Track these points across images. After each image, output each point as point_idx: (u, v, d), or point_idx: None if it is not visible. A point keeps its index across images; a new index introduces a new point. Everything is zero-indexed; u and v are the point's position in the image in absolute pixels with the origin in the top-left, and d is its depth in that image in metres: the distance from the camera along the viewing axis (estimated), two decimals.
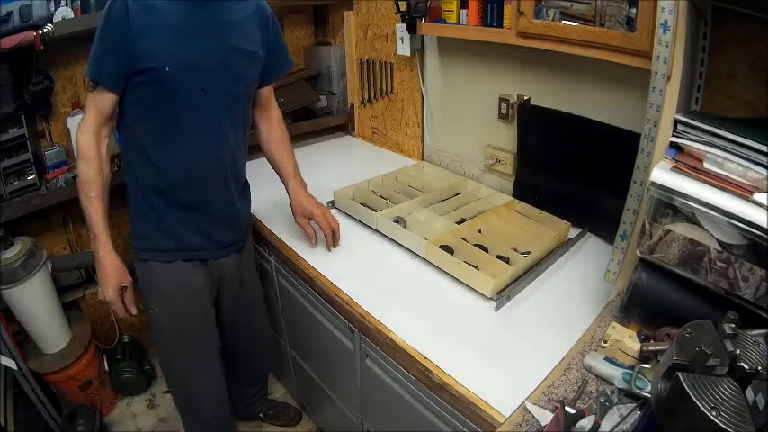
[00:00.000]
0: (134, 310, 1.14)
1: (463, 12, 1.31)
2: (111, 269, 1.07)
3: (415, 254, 1.18)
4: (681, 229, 0.75)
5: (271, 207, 1.42)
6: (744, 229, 0.65)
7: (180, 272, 1.15)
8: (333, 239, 1.22)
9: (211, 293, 1.24)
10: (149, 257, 1.13)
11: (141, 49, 0.95)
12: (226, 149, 1.11)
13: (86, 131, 1.01)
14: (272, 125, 1.29)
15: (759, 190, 0.64)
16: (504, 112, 1.40)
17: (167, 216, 1.10)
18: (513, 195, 1.41)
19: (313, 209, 1.22)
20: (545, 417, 0.70)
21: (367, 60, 1.84)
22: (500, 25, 1.21)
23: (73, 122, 1.45)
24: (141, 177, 1.08)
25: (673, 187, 0.72)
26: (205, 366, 1.26)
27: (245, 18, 1.09)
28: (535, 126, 1.32)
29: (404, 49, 1.62)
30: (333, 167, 1.76)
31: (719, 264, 0.70)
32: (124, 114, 1.05)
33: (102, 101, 1.00)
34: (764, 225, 0.62)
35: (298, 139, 1.95)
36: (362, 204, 1.37)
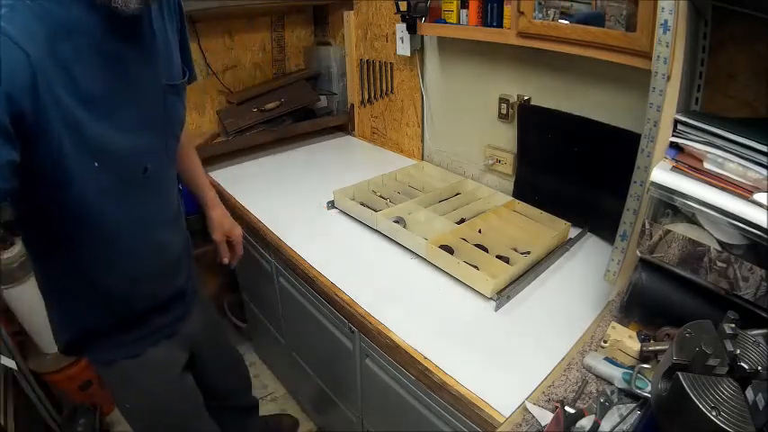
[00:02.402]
0: None
1: (463, 12, 1.31)
2: None
3: (415, 254, 1.18)
4: (681, 229, 0.75)
5: (268, 206, 1.42)
6: (744, 229, 0.65)
7: (153, 361, 0.94)
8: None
9: (186, 366, 1.06)
10: (114, 357, 0.91)
11: (53, 142, 0.60)
12: (178, 225, 0.95)
13: None
14: None
15: (759, 190, 0.64)
16: (504, 112, 1.40)
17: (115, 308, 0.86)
18: (513, 195, 1.41)
19: (233, 228, 1.19)
20: (545, 417, 0.70)
21: (367, 60, 1.84)
22: (500, 25, 1.21)
23: None
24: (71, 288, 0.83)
25: (673, 187, 0.72)
26: None
27: (161, 21, 0.78)
28: (535, 126, 1.32)
29: (404, 49, 1.62)
30: (333, 167, 1.75)
31: (719, 264, 0.70)
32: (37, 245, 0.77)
33: None
34: (764, 225, 0.62)
35: (298, 139, 1.95)
36: (362, 204, 1.36)
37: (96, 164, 0.66)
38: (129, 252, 0.81)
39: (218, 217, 1.17)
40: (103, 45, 0.65)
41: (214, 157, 1.70)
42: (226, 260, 1.21)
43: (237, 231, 1.20)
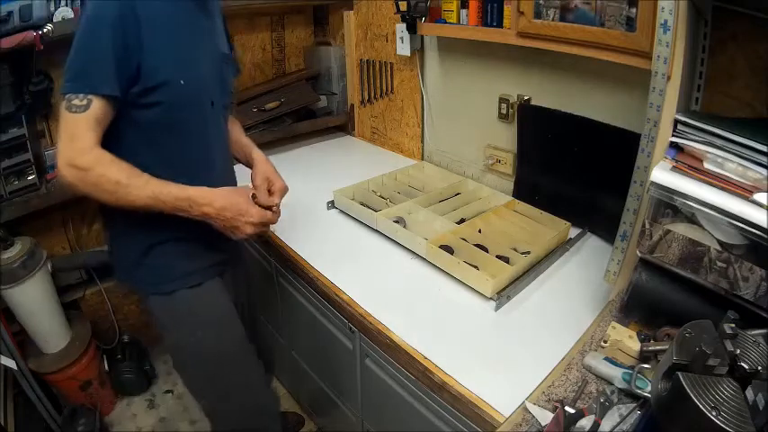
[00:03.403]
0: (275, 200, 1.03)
1: (463, 12, 1.31)
2: (229, 200, 0.90)
3: (415, 254, 1.18)
4: (681, 229, 0.75)
5: None
6: (744, 229, 0.65)
7: (211, 292, 1.02)
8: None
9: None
10: (177, 287, 0.98)
11: (154, 59, 0.81)
12: (232, 177, 1.09)
13: (87, 151, 0.80)
14: None
15: (759, 190, 0.64)
16: (504, 112, 1.40)
17: (184, 236, 0.95)
18: (513, 195, 1.41)
19: (278, 179, 1.08)
20: (545, 417, 0.70)
21: (367, 60, 1.84)
22: (500, 25, 1.21)
23: None
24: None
25: (673, 187, 0.72)
26: (258, 377, 1.16)
27: (218, 13, 1.01)
28: (535, 126, 1.32)
29: (404, 49, 1.62)
30: (333, 167, 1.76)
31: (719, 264, 0.70)
32: (115, 145, 0.85)
33: (100, 117, 0.80)
34: (764, 225, 0.62)
35: (298, 139, 1.95)
36: (362, 204, 1.36)
37: (182, 81, 0.86)
38: (192, 169, 0.93)
39: (266, 163, 1.11)
40: (192, 14, 0.90)
41: None
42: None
43: (280, 185, 1.07)
